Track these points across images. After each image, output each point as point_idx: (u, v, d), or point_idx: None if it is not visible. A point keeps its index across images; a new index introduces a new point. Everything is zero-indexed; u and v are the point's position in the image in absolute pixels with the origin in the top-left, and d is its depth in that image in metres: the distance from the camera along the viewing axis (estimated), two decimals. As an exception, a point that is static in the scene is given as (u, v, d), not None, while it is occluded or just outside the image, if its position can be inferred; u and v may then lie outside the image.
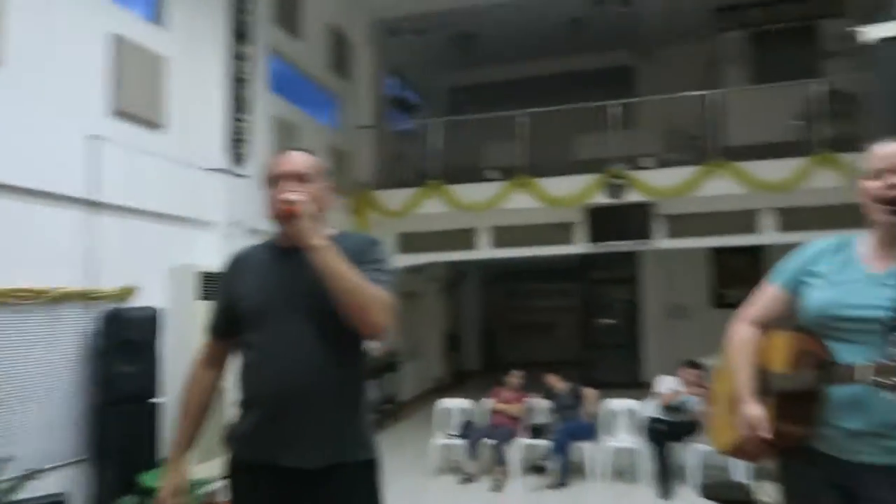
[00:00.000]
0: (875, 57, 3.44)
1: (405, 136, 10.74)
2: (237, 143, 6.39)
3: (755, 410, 1.83)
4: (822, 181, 7.62)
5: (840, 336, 1.75)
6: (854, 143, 7.90)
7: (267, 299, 1.86)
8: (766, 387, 1.89)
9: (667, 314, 11.69)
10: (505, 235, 8.83)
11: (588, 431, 6.12)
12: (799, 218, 7.83)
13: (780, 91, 8.73)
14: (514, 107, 9.06)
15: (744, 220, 8.18)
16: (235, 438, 1.91)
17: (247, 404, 1.89)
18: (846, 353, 1.71)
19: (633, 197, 8.24)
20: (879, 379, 1.50)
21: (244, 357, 1.91)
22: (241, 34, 6.48)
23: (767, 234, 8.15)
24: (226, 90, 6.28)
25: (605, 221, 8.44)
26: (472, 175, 9.19)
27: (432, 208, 8.79)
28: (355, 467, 1.84)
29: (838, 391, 1.72)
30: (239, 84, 6.43)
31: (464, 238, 8.95)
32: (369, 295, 1.73)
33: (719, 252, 10.99)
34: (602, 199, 8.30)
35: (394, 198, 9.00)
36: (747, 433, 1.84)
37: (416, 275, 10.92)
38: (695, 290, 11.52)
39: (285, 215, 1.78)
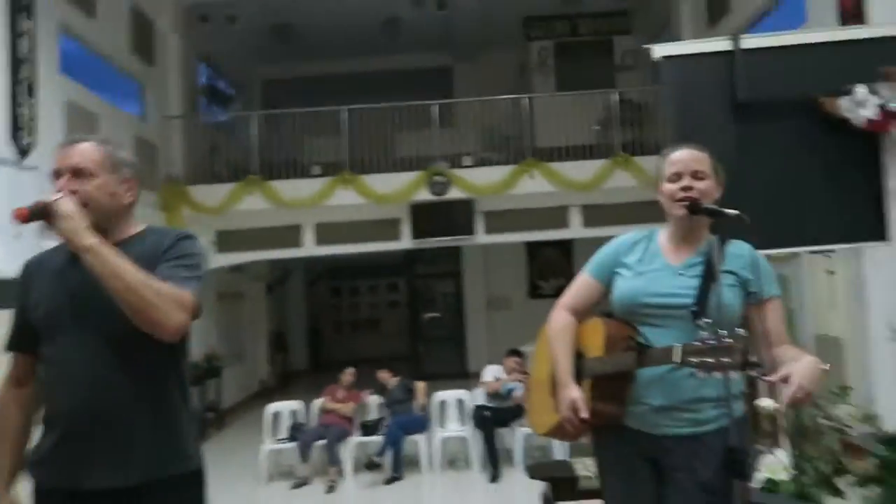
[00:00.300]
0: (660, 72, 3.88)
1: (220, 129, 10.20)
2: (20, 132, 5.65)
3: (575, 393, 1.97)
4: (620, 181, 8.43)
5: (649, 321, 1.94)
6: (645, 147, 8.88)
7: (57, 308, 1.69)
8: (583, 370, 2.05)
9: (489, 306, 12.27)
10: (329, 232, 8.72)
11: (420, 424, 6.26)
12: (601, 214, 8.59)
13: (582, 98, 9.52)
14: (335, 102, 8.98)
15: (555, 216, 8.81)
16: (36, 463, 1.73)
17: (46, 424, 1.73)
18: (657, 337, 1.90)
19: (454, 194, 8.53)
20: (691, 359, 1.68)
21: (43, 372, 1.74)
22: (20, 7, 5.72)
23: (575, 229, 8.87)
24: (3, 71, 5.52)
25: (428, 218, 8.65)
26: (294, 171, 8.98)
27: (252, 205, 8.44)
28: (175, 481, 1.72)
29: (646, 372, 1.91)
30: (20, 64, 5.68)
31: (287, 235, 8.70)
32: (153, 293, 1.57)
33: (534, 246, 11.76)
34: (425, 195, 8.51)
35: (210, 194, 8.51)
36: (568, 415, 1.98)
37: (238, 274, 10.44)
38: (513, 283, 12.22)
39: (22, 218, 1.59)
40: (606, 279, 2.07)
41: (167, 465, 1.71)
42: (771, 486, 3.21)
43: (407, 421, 6.20)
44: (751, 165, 3.83)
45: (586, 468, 3.63)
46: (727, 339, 1.58)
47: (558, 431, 2.17)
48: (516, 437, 6.14)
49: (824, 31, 5.21)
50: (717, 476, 1.87)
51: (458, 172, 8.62)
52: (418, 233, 8.62)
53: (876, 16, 5.14)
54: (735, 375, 1.57)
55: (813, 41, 3.77)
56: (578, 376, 2.04)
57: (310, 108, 9.02)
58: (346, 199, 8.42)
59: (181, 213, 8.32)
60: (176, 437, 1.74)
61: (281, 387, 11.70)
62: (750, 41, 3.57)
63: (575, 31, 11.51)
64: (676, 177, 1.95)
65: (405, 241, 8.77)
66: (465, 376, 10.88)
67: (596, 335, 2.02)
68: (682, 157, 1.97)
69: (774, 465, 3.25)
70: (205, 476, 1.82)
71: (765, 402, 3.54)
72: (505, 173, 8.56)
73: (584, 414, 1.94)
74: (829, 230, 3.54)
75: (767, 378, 1.71)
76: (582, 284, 2.13)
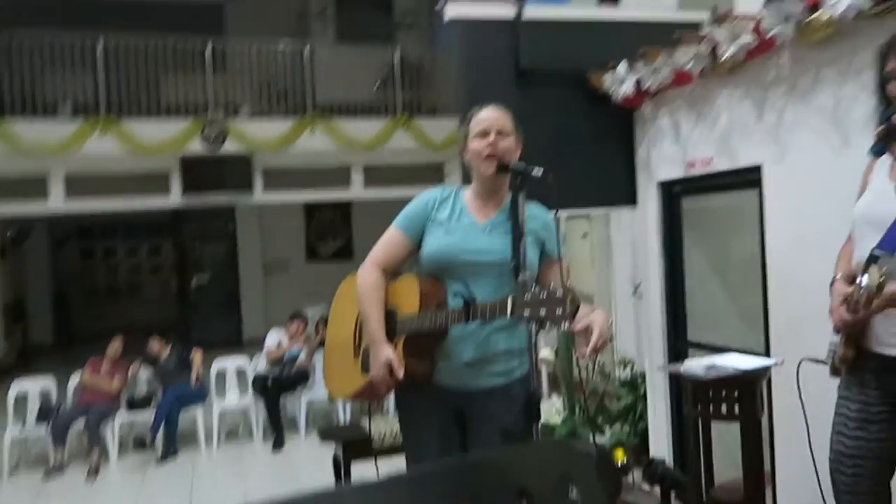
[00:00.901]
0: (447, 34, 3.94)
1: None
2: None
3: (388, 352, 1.95)
4: (400, 142, 8.52)
5: (460, 277, 1.97)
6: (424, 108, 9.05)
7: None
8: (395, 328, 2.03)
9: (265, 269, 11.79)
10: (83, 185, 7.62)
11: (196, 396, 5.84)
12: (382, 175, 8.63)
13: (363, 54, 9.38)
14: (86, 31, 7.78)
15: (336, 176, 8.65)
16: None
17: None
18: (471, 293, 1.93)
19: (230, 147, 7.96)
20: (524, 311, 1.72)
21: None
22: None
23: (357, 190, 8.80)
24: None
25: (201, 172, 7.97)
26: (36, 109, 7.66)
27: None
28: None
29: (457, 328, 1.94)
30: None
31: (28, 187, 7.44)
32: None
33: (311, 206, 11.48)
34: (198, 148, 7.82)
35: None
36: (381, 374, 1.95)
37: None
38: (290, 244, 11.84)
39: None
40: (417, 235, 2.07)
41: None
42: (546, 428, 3.54)
43: (182, 393, 5.75)
44: (531, 131, 4.12)
45: (378, 427, 3.67)
46: (558, 292, 1.65)
47: (365, 393, 2.15)
48: (300, 403, 6.04)
49: (593, 9, 5.68)
50: (516, 421, 1.99)
51: (233, 123, 8.03)
52: (189, 189, 7.92)
53: (627, -1, 5.75)
54: (564, 326, 1.66)
55: (583, 18, 4.10)
56: (390, 334, 2.01)
57: (55, 33, 7.69)
58: (104, 148, 7.41)
59: None
60: None
61: (21, 364, 10.16)
62: (531, 11, 3.76)
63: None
64: (483, 134, 2.00)
65: (174, 198, 8.01)
66: (240, 343, 10.42)
67: (410, 292, 2.01)
68: (489, 115, 2.03)
69: (549, 410, 3.58)
70: None
71: (543, 353, 3.87)
72: (285, 127, 8.18)
73: (401, 373, 1.93)
74: (593, 195, 3.92)
75: (573, 328, 1.83)
76: (391, 240, 2.10)
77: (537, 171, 1.87)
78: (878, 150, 1.65)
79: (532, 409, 2.01)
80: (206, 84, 8.16)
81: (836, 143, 2.59)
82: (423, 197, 2.11)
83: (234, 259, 11.86)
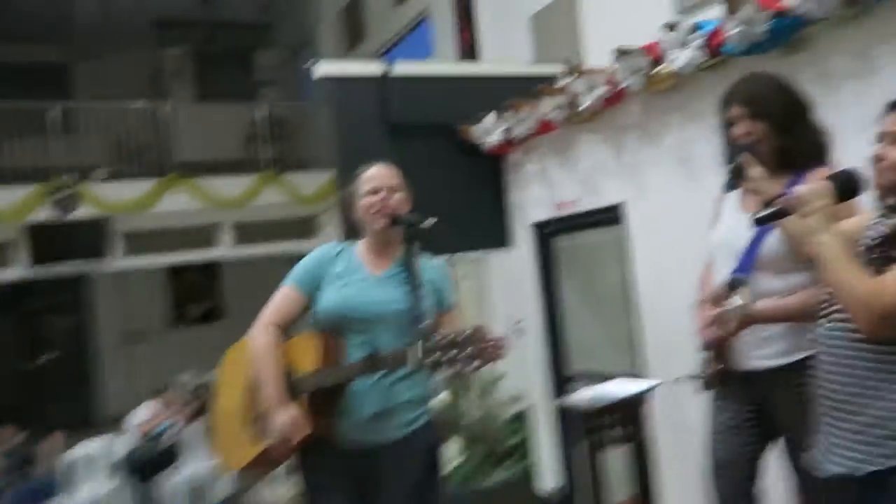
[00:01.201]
0: (315, 90, 3.96)
1: None
2: None
3: (290, 414, 1.88)
4: (270, 198, 8.32)
5: (358, 330, 1.95)
6: (290, 163, 8.93)
7: None
8: (296, 388, 1.95)
9: (124, 340, 10.91)
10: None
11: (48, 489, 5.19)
12: (251, 232, 8.36)
13: (226, 111, 9.19)
14: None
15: (202, 236, 8.28)
16: None
17: None
18: (366, 346, 1.91)
19: (84, 213, 7.40)
20: (431, 357, 1.71)
21: None
22: None
23: (226, 248, 8.44)
24: None
25: (49, 240, 7.31)
26: None
27: None
28: None
29: (359, 382, 1.90)
30: None
31: None
32: None
33: (175, 269, 10.85)
34: (46, 215, 7.19)
35: None
36: (283, 437, 1.88)
37: None
38: (152, 311, 11.06)
39: None
40: (311, 291, 2.04)
41: None
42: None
43: (31, 488, 5.11)
44: (407, 183, 4.21)
45: (265, 498, 3.49)
46: (465, 332, 1.67)
47: (263, 461, 2.05)
48: (177, 480, 5.57)
49: (456, 64, 5.92)
50: (420, 474, 1.98)
51: (87, 187, 7.48)
52: (38, 259, 7.22)
53: (485, 53, 6.06)
54: (477, 365, 1.67)
55: (448, 73, 4.29)
56: (289, 396, 1.94)
57: None
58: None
59: None
60: None
61: None
62: (400, 68, 3.88)
63: (213, 40, 11.06)
64: (374, 191, 2.02)
65: (17, 270, 7.28)
66: (97, 423, 9.49)
67: (307, 350, 1.96)
68: (378, 173, 2.07)
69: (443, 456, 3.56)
70: None
71: (439, 397, 3.87)
72: (145, 189, 7.74)
73: (307, 430, 1.86)
74: (469, 239, 4.03)
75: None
76: (286, 298, 2.05)
77: (428, 222, 1.92)
78: (729, 186, 1.86)
79: (435, 460, 2.02)
80: (52, 147, 7.58)
81: (686, 179, 2.87)
82: (317, 253, 2.09)
83: (88, 331, 10.90)
